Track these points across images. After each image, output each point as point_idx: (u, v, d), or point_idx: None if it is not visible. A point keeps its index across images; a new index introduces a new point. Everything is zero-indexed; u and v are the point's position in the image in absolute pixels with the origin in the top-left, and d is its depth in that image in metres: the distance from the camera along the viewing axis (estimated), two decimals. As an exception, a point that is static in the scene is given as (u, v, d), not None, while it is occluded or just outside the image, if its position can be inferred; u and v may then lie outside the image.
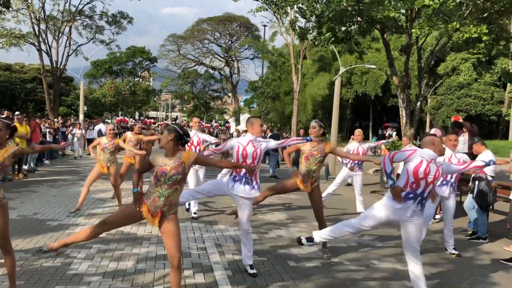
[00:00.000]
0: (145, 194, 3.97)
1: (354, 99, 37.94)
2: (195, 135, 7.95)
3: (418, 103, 12.80)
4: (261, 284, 4.73)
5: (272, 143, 5.35)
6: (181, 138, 3.95)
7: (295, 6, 15.30)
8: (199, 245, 6.12)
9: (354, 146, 9.29)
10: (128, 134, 9.80)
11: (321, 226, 5.64)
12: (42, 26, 25.49)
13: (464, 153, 10.57)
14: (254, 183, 5.00)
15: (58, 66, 26.65)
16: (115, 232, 6.58)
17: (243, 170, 4.92)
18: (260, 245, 6.17)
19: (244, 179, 4.95)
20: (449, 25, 8.99)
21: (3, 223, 3.98)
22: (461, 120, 8.99)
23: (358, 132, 9.32)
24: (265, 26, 44.63)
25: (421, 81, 12.83)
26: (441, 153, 4.40)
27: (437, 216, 8.83)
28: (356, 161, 8.75)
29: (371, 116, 41.07)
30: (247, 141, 5.05)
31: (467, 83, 32.76)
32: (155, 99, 70.04)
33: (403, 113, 12.42)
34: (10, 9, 18.72)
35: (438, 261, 5.99)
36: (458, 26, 8.95)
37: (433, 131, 8.61)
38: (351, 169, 8.95)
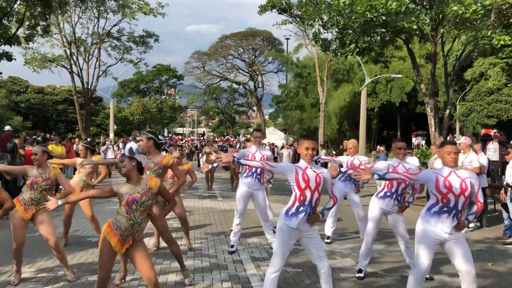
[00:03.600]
0: (113, 225, 3.91)
1: (380, 108, 37.63)
2: (257, 152, 6.66)
3: (447, 111, 12.73)
4: (298, 295, 4.82)
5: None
6: (140, 165, 4.04)
7: (317, 18, 15.48)
8: (234, 258, 6.26)
9: (347, 159, 7.39)
10: None
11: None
12: (73, 49, 26.51)
13: (494, 161, 10.51)
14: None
15: (89, 87, 27.55)
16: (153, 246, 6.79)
17: (307, 199, 4.15)
18: (295, 257, 6.25)
19: (308, 209, 4.16)
20: (482, 33, 8.99)
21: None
22: (492, 133, 8.91)
23: (351, 143, 7.60)
24: (287, 39, 45.13)
25: (448, 89, 12.76)
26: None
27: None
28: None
29: (399, 124, 40.57)
30: (304, 163, 4.24)
31: (497, 88, 32.12)
32: (181, 115, 71.14)
33: (431, 121, 12.36)
34: (49, 34, 19.58)
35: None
36: (489, 33, 8.93)
37: (462, 139, 8.60)
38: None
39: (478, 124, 33.13)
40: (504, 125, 32.51)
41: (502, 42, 8.92)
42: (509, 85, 31.98)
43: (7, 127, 15.94)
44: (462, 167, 8.34)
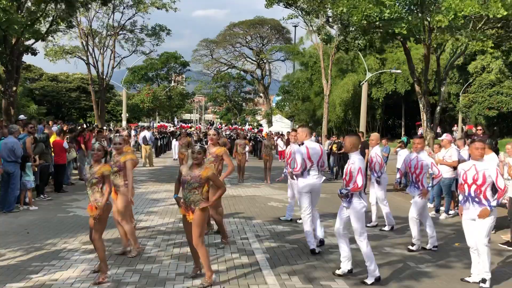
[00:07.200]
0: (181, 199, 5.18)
1: (385, 98, 38.28)
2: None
3: (438, 108, 13.77)
4: (293, 263, 6.01)
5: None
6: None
7: (322, 13, 16.47)
8: (241, 235, 7.47)
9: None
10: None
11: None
12: (89, 41, 27.72)
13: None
14: None
15: (104, 77, 28.79)
16: (172, 226, 8.02)
17: None
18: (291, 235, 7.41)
19: None
20: (461, 40, 10.09)
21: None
22: (474, 130, 9.96)
23: (373, 136, 8.85)
24: (295, 26, 46.02)
25: (440, 86, 13.79)
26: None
27: (451, 212, 9.83)
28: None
29: (403, 114, 41.35)
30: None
31: (498, 80, 32.84)
32: (189, 101, 72.19)
33: (424, 116, 13.43)
34: (69, 29, 20.77)
35: (444, 252, 7.09)
36: (467, 41, 10.00)
37: (444, 136, 9.70)
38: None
39: (479, 115, 33.93)
40: (504, 116, 33.41)
41: (477, 48, 10.07)
42: (510, 78, 32.66)
43: (21, 116, 16.78)
44: (443, 160, 9.47)
